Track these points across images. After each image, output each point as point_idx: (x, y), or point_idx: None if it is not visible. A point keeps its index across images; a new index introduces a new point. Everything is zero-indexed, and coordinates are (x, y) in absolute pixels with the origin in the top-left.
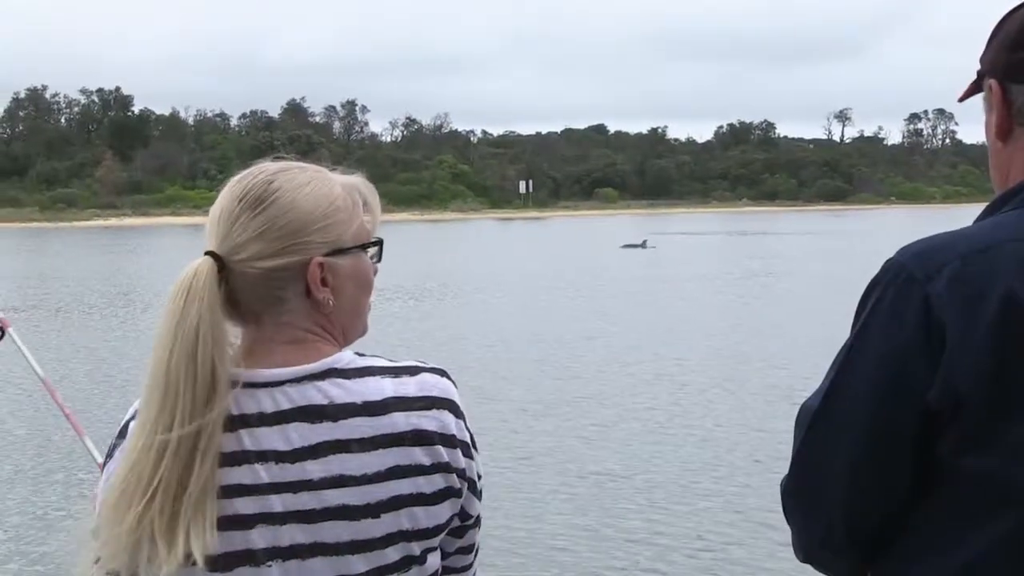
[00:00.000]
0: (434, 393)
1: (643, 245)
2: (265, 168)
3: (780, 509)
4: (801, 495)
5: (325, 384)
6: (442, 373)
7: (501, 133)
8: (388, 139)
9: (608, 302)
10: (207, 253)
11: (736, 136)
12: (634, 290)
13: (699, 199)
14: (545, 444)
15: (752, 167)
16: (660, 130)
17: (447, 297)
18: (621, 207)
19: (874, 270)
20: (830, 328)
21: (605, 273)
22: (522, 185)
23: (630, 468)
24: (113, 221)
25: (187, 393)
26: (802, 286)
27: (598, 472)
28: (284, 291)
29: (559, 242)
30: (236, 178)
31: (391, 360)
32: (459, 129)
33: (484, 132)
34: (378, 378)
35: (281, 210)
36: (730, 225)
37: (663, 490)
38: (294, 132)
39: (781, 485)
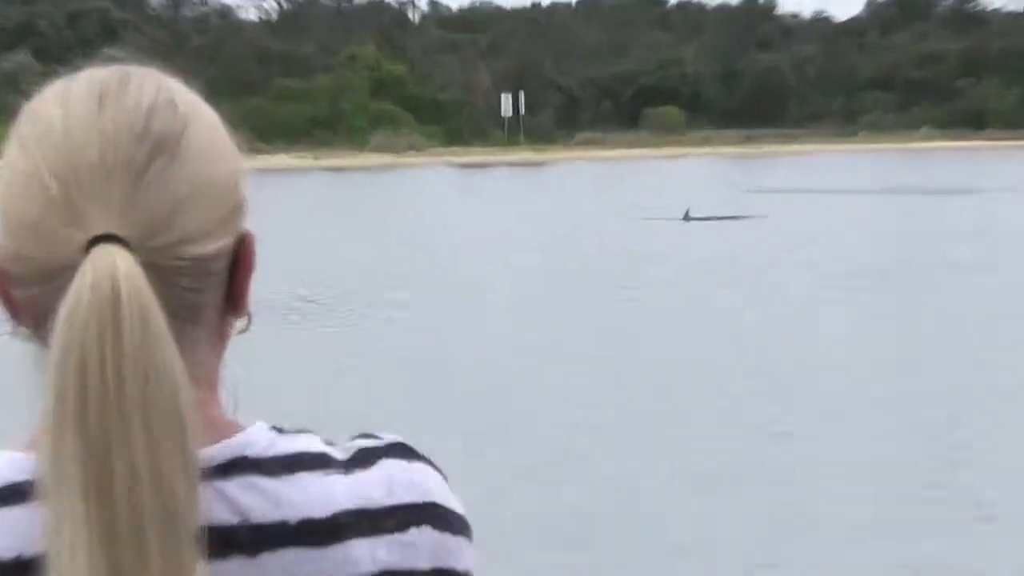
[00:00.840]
0: (414, 498)
1: (686, 217)
2: (137, 77)
3: None
4: None
5: (232, 486)
6: (412, 454)
7: (465, 5)
8: (253, 18)
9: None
10: (99, 238)
11: (907, 9)
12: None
13: (836, 126)
14: None
15: (939, 66)
16: (763, 0)
17: (349, 320)
18: (693, 142)
19: None
20: None
21: (652, 274)
22: (504, 102)
23: None
24: None
25: (148, 546)
26: None
27: None
28: (201, 297)
29: (571, 212)
30: (93, 94)
31: (326, 439)
32: None
33: (432, 2)
34: (318, 474)
35: (206, 148)
36: (897, 175)
37: None
38: (76, 5)
39: None
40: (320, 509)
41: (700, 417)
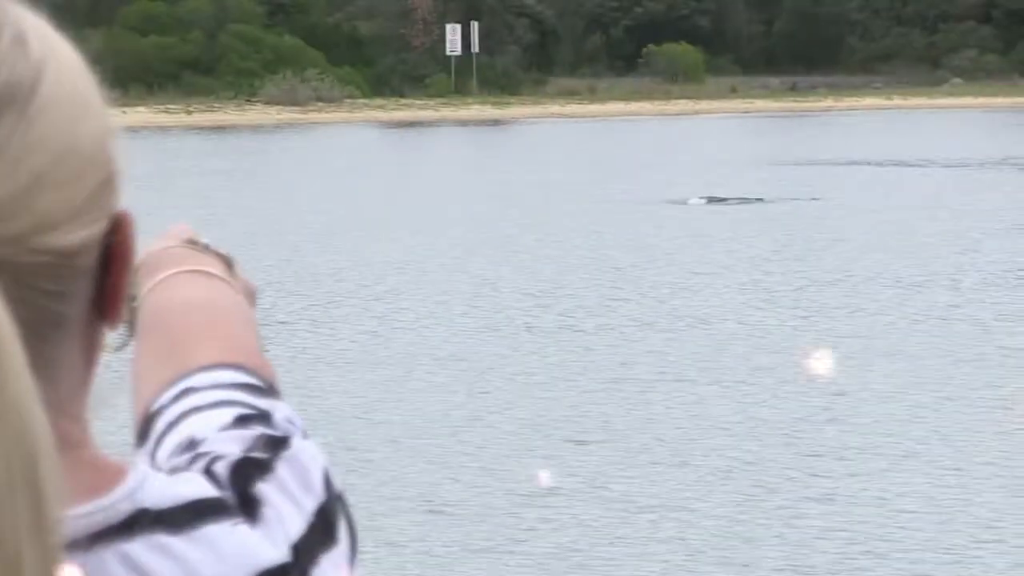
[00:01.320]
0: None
1: (708, 200)
2: None
3: None
4: None
5: (139, 549)
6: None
7: None
8: None
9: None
10: None
11: None
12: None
13: (914, 73)
14: None
15: None
16: None
17: None
18: (713, 93)
19: None
20: None
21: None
22: (451, 36)
23: None
24: None
25: None
26: None
27: None
28: (65, 304)
29: (540, 192)
30: None
31: (200, 468)
32: None
33: None
34: (224, 526)
35: (68, 103)
36: (1005, 141)
37: None
38: None
39: None
40: (241, 569)
41: None
